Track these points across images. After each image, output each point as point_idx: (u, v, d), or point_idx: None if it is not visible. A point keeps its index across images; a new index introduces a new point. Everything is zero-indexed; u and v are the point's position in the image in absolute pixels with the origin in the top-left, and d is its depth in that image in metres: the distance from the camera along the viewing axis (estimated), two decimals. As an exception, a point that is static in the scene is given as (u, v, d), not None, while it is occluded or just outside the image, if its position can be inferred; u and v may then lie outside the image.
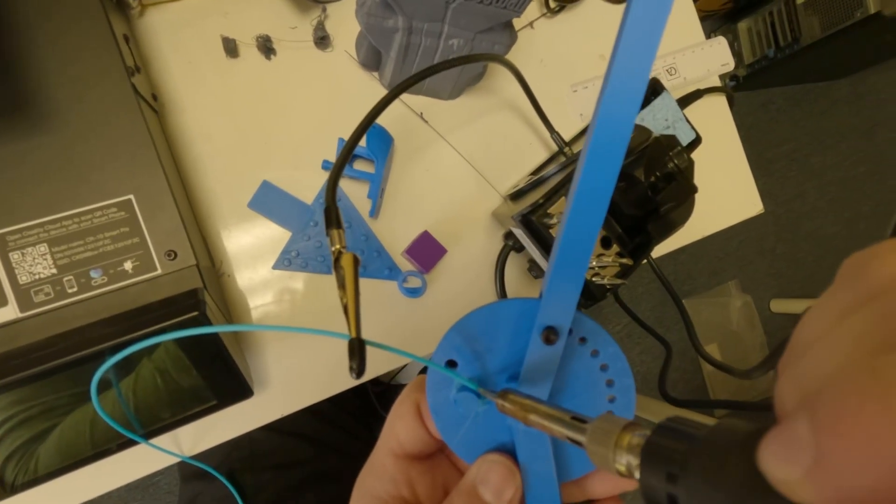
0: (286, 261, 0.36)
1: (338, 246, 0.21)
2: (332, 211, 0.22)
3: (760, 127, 1.38)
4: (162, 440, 0.35)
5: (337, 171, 0.24)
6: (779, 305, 1.37)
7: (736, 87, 1.32)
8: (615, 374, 0.18)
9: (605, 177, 0.16)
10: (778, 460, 0.09)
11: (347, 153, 0.26)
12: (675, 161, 0.32)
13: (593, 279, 0.31)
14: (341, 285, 0.19)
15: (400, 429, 0.20)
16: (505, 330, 0.18)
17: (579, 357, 0.19)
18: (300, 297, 0.37)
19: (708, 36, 0.47)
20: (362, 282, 0.38)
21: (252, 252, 0.37)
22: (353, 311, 0.18)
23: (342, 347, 0.38)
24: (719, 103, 0.47)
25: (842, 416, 0.08)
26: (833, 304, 0.10)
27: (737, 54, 1.29)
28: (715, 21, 1.33)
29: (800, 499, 0.08)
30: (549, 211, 0.31)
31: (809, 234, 1.41)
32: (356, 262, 0.19)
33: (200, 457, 0.37)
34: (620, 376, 0.18)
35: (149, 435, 0.32)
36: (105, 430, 0.31)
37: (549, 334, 0.17)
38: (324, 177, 0.38)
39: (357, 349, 0.17)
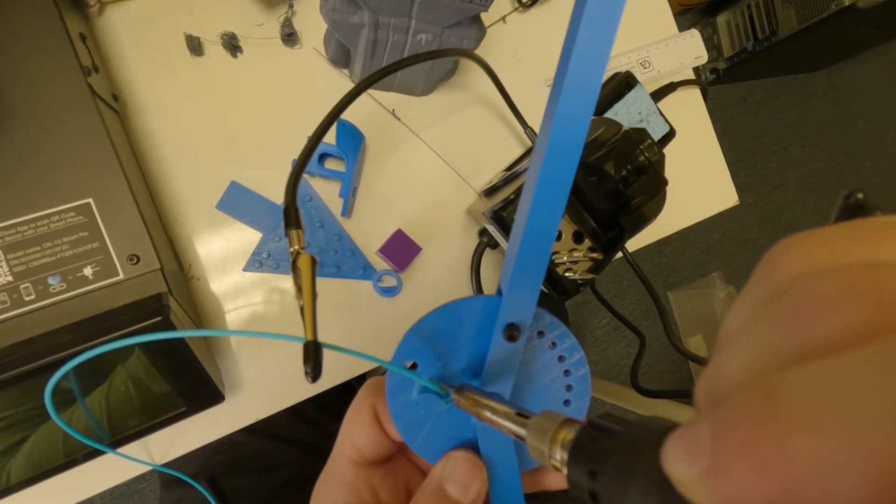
0: (257, 262, 0.36)
1: (296, 247, 0.20)
2: (291, 211, 0.21)
3: (741, 119, 1.40)
4: (133, 448, 0.34)
5: (299, 168, 0.24)
6: (762, 295, 1.39)
7: (716, 80, 1.33)
8: (571, 364, 0.19)
9: (562, 175, 0.15)
10: (678, 459, 0.09)
11: (310, 150, 0.26)
12: (646, 154, 0.32)
13: (566, 274, 0.31)
14: (298, 287, 0.19)
15: (358, 436, 0.20)
16: (464, 328, 0.18)
17: (537, 350, 0.19)
18: (272, 298, 0.36)
19: (688, 30, 0.47)
20: (336, 282, 0.37)
21: (222, 255, 0.36)
22: (309, 312, 0.18)
23: (317, 349, 0.37)
24: (693, 96, 0.47)
25: (737, 433, 0.08)
26: (747, 298, 0.10)
27: (716, 48, 1.30)
28: (694, 15, 1.33)
29: (695, 499, 0.09)
30: (520, 206, 0.31)
31: (790, 224, 1.43)
32: (313, 263, 0.19)
33: (182, 462, 0.36)
34: (576, 366, 0.19)
35: (119, 443, 0.31)
36: (78, 440, 0.30)
37: (512, 331, 0.17)
38: (295, 176, 0.37)
39: (312, 352, 0.17)
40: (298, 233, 0.21)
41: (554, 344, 0.18)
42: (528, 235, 0.16)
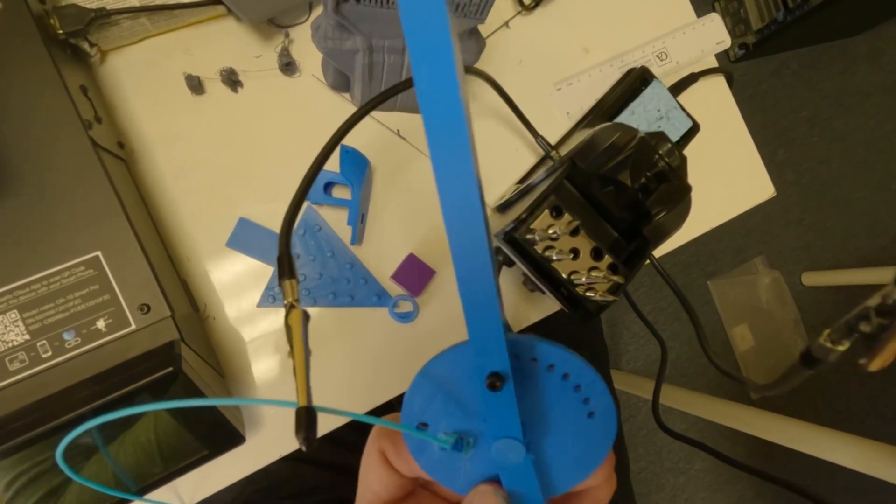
0: (270, 298, 0.35)
1: (290, 299, 0.19)
2: (284, 260, 0.20)
3: (775, 94, 1.32)
4: (162, 492, 0.34)
5: (291, 212, 0.23)
6: (811, 278, 1.31)
7: (746, 56, 1.26)
8: (591, 394, 0.18)
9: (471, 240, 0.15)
10: None
11: (306, 187, 0.25)
12: (666, 160, 0.29)
13: (587, 294, 0.29)
14: (291, 345, 0.18)
15: (372, 480, 0.20)
16: (464, 375, 0.18)
17: (549, 383, 0.18)
18: (289, 332, 0.36)
19: (711, 6, 0.44)
20: (352, 311, 0.37)
21: (236, 291, 0.36)
22: (301, 375, 0.17)
23: (337, 381, 0.37)
24: (718, 84, 0.44)
25: None
26: None
27: (743, 21, 1.23)
28: (717, -11, 1.27)
29: None
30: (532, 226, 0.29)
31: (837, 200, 1.34)
32: (305, 318, 0.18)
33: (217, 493, 0.36)
34: (597, 395, 0.18)
35: (146, 489, 0.31)
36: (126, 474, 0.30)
37: (494, 381, 0.16)
38: (304, 206, 0.36)
39: (304, 420, 0.16)
40: (292, 283, 0.20)
41: (568, 375, 0.17)
42: (464, 293, 0.16)
